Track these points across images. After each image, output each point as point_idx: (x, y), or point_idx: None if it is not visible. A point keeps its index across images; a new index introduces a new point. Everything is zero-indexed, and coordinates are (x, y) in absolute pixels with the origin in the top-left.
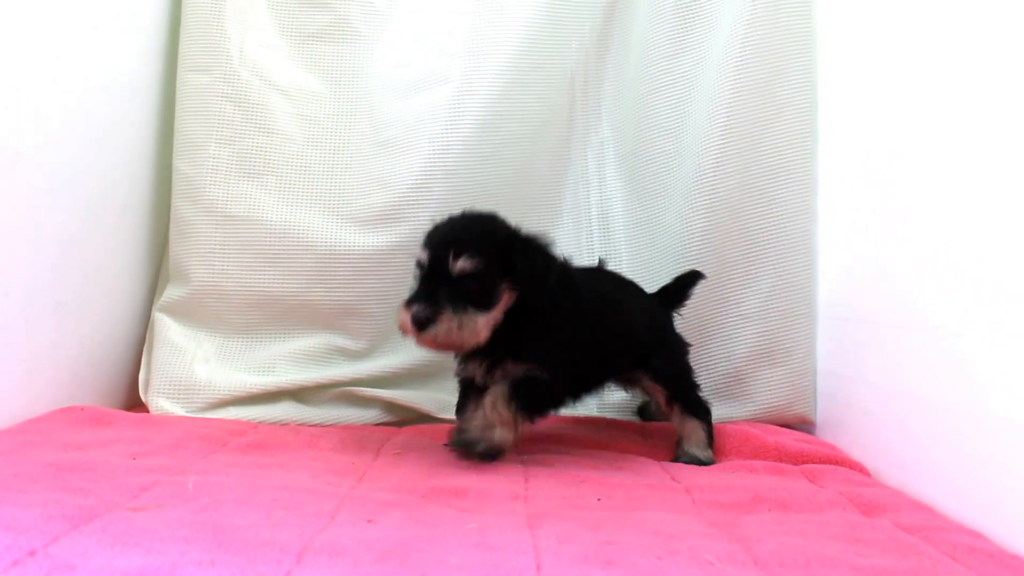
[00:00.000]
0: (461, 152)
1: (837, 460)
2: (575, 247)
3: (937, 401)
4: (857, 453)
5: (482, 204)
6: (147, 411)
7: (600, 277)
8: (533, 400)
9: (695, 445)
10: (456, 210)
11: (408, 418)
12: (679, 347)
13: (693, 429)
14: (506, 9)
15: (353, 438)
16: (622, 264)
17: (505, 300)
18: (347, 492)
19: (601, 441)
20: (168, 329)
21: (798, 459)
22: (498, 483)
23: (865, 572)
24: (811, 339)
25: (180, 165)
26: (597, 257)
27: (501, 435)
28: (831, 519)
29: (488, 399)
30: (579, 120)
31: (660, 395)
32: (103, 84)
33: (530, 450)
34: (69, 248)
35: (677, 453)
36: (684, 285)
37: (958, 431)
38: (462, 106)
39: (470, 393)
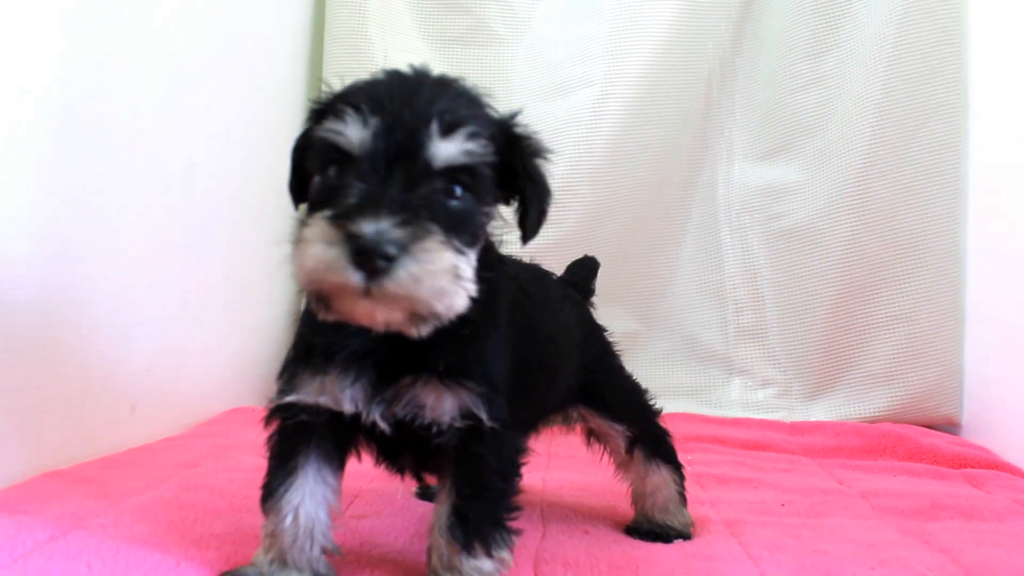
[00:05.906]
0: (604, 155)
1: (995, 464)
2: (707, 248)
3: None
4: (1010, 456)
5: (624, 207)
6: None
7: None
8: (507, 482)
9: (666, 509)
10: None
11: None
12: (619, 361)
13: (662, 483)
14: (645, 10)
15: None
16: (760, 261)
17: (481, 241)
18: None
19: (748, 440)
20: None
21: (956, 463)
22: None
23: None
24: (959, 341)
25: None
26: None
27: None
28: (1020, 530)
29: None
30: (714, 120)
31: (618, 438)
32: (260, 88)
33: (687, 449)
34: (236, 253)
35: (636, 520)
36: (588, 276)
37: None
38: (605, 109)
39: (306, 448)
